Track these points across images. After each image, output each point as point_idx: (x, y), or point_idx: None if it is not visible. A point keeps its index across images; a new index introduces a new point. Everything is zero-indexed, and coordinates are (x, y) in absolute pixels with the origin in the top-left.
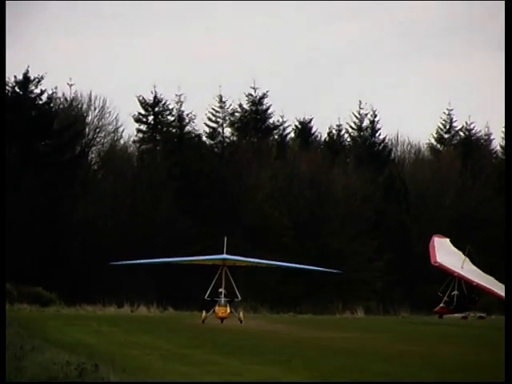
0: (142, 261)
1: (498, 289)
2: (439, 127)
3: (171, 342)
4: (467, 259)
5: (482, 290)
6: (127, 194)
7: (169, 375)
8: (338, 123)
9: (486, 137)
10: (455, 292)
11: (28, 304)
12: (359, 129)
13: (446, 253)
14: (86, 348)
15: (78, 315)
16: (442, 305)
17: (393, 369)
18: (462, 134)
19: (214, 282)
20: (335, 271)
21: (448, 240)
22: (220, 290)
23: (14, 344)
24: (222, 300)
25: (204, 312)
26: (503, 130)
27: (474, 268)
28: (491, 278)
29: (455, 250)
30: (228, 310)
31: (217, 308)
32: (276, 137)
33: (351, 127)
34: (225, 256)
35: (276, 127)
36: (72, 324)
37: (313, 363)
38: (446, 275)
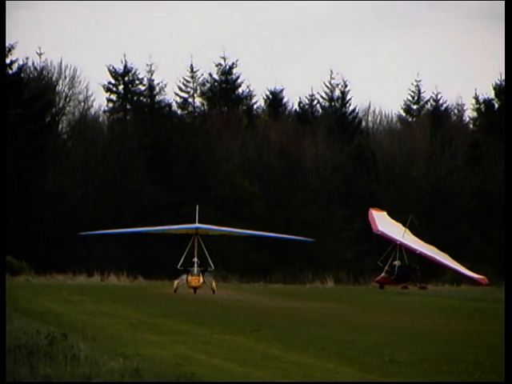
0: (113, 231)
1: (440, 257)
2: (407, 98)
3: (141, 311)
4: (407, 230)
5: (425, 258)
6: (98, 164)
7: (139, 344)
8: (309, 93)
9: (459, 107)
10: (397, 262)
11: None
12: (330, 99)
13: (386, 223)
14: (56, 317)
15: (48, 284)
16: (383, 274)
17: (363, 338)
18: (430, 104)
19: (186, 252)
20: (309, 240)
21: (385, 213)
22: (193, 259)
23: None
24: (195, 269)
25: (176, 281)
26: (473, 101)
27: (415, 238)
28: (432, 248)
29: (394, 221)
30: (201, 280)
31: (190, 277)
32: (246, 107)
33: (322, 97)
34: (197, 225)
35: (246, 97)
36: (42, 293)
37: (283, 333)
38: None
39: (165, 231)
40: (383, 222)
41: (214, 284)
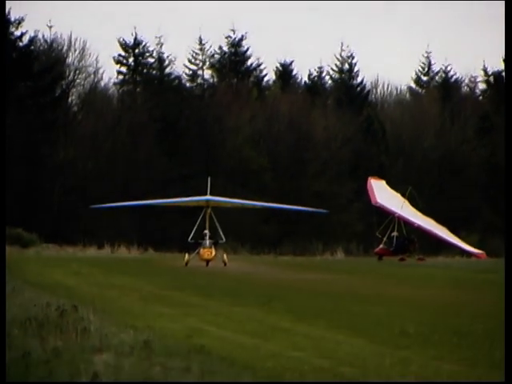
0: (124, 203)
1: (438, 230)
2: (418, 70)
3: (151, 283)
4: (406, 201)
5: (423, 231)
6: (107, 136)
7: (149, 316)
8: (319, 65)
9: (472, 79)
10: (395, 233)
11: (8, 245)
12: (340, 71)
13: (385, 194)
14: (67, 289)
15: (58, 257)
16: (381, 246)
17: (374, 310)
18: (440, 76)
19: (197, 224)
20: (322, 211)
21: (384, 182)
22: (205, 231)
23: None
24: (207, 242)
25: (187, 254)
26: (482, 73)
27: (414, 210)
28: (431, 221)
29: (393, 191)
30: (213, 252)
31: (202, 250)
32: (255, 79)
33: (332, 69)
34: (209, 197)
35: (255, 69)
36: (52, 265)
37: (293, 305)
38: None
39: (176, 204)
40: (382, 193)
41: (225, 256)
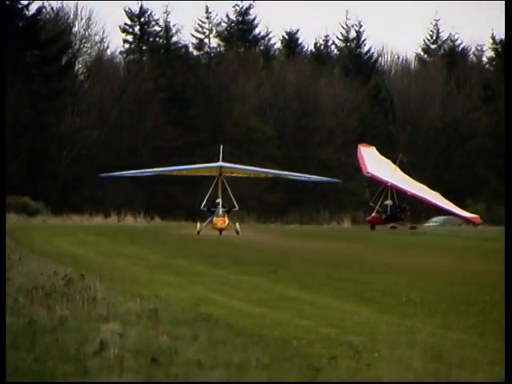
0: (133, 172)
1: (431, 197)
2: (426, 38)
3: (158, 252)
4: (397, 168)
5: (416, 199)
6: (114, 105)
7: (155, 285)
8: (325, 34)
9: (479, 47)
10: (388, 201)
11: (15, 214)
12: (346, 40)
13: (375, 162)
14: (73, 258)
15: (64, 225)
16: (374, 214)
17: (380, 278)
18: (447, 45)
19: (209, 192)
20: (337, 181)
21: (374, 148)
22: (217, 200)
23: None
24: (220, 210)
25: (199, 223)
26: (490, 41)
27: (405, 176)
28: (423, 186)
29: (383, 158)
30: (226, 221)
31: (214, 219)
32: (262, 48)
33: (338, 38)
34: (221, 164)
35: (262, 38)
36: (59, 234)
37: (300, 273)
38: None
39: (188, 171)
40: (373, 161)
41: (238, 226)
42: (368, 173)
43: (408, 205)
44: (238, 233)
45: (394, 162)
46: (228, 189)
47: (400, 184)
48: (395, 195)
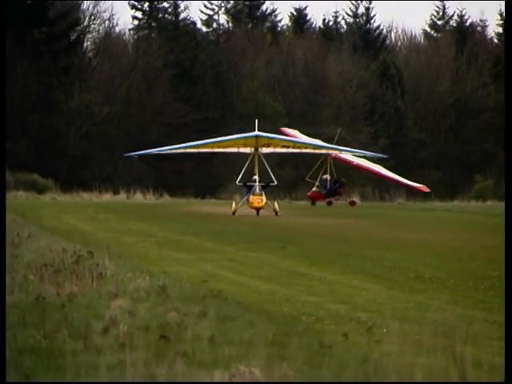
0: (160, 149)
1: (376, 167)
2: (433, 14)
3: (167, 229)
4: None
5: (361, 169)
6: (123, 82)
7: (164, 262)
8: (334, 10)
9: (482, 23)
10: (326, 176)
11: (24, 191)
12: (355, 15)
13: (307, 139)
14: (82, 235)
15: (73, 202)
16: (314, 189)
17: (389, 254)
18: (455, 20)
19: (245, 167)
20: (383, 156)
21: (298, 131)
22: (254, 177)
23: (10, 231)
24: (257, 188)
25: (234, 202)
26: (498, 16)
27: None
28: (364, 160)
29: (312, 139)
30: (264, 200)
31: (251, 197)
32: (270, 24)
33: (347, 14)
34: (257, 133)
35: (270, 14)
36: (68, 211)
37: (308, 250)
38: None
39: (219, 144)
40: (303, 137)
41: (276, 205)
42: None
43: (345, 179)
44: (276, 213)
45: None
46: (265, 163)
47: (344, 156)
48: (333, 169)
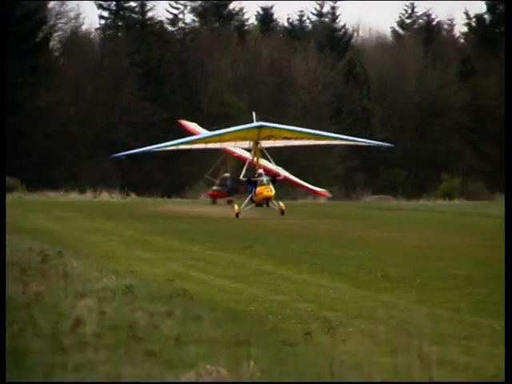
0: (151, 147)
1: (279, 170)
2: (401, 13)
3: (133, 228)
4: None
5: (266, 170)
6: (89, 81)
7: (131, 261)
8: (299, 9)
9: (449, 21)
10: (227, 174)
11: None
12: (320, 14)
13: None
14: (49, 234)
15: (40, 202)
16: (215, 188)
17: (355, 253)
18: (422, 19)
19: (247, 163)
20: (389, 145)
21: (196, 124)
22: (259, 171)
23: None
24: (264, 178)
25: (236, 205)
26: (463, 16)
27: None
28: (266, 161)
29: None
30: (273, 189)
31: (259, 188)
32: (237, 23)
33: (312, 13)
34: (261, 123)
35: (237, 13)
36: (34, 210)
37: (275, 249)
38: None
39: (223, 136)
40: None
41: (281, 203)
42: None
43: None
44: (282, 212)
45: None
46: (268, 156)
47: (247, 155)
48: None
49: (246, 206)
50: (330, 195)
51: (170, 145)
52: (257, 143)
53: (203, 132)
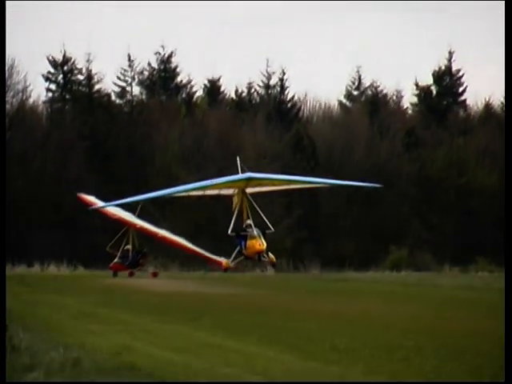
0: (137, 198)
1: (181, 239)
2: (349, 84)
3: (81, 301)
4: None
5: (166, 241)
6: (36, 154)
7: (79, 334)
8: (248, 81)
9: (397, 93)
10: (128, 246)
11: None
12: (267, 87)
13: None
14: None
15: None
16: (116, 260)
17: (304, 325)
18: (370, 91)
19: (235, 215)
20: (378, 185)
21: (94, 197)
22: (248, 222)
23: None
24: (254, 231)
25: (224, 260)
26: (413, 87)
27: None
28: (167, 231)
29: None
30: (264, 243)
31: (249, 242)
32: (184, 96)
33: (259, 85)
34: (250, 174)
35: (184, 86)
36: None
37: (223, 320)
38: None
39: (206, 187)
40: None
41: (272, 255)
42: (112, 215)
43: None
44: (274, 265)
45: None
46: (257, 208)
47: (147, 225)
48: (135, 239)
49: (234, 259)
50: (227, 266)
51: (163, 193)
52: (244, 192)
53: (100, 203)
